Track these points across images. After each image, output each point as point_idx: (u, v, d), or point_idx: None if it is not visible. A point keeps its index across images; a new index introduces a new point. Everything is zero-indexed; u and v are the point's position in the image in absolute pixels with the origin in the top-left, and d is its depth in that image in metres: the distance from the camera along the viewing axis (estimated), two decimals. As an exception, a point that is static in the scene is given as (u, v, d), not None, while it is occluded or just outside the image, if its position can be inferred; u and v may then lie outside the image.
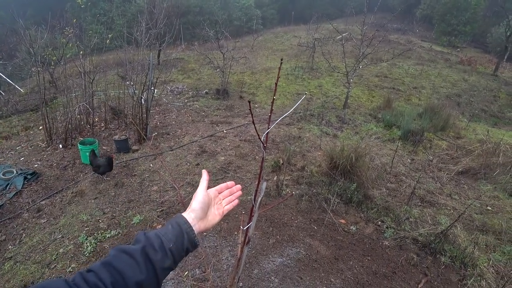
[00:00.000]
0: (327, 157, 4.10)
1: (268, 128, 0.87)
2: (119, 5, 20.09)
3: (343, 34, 10.25)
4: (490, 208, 3.65)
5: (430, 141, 5.63)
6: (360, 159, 3.68)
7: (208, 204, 0.76)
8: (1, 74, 9.72)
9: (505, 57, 13.56)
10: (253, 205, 1.03)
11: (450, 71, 11.81)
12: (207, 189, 0.79)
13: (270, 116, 0.89)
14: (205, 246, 2.77)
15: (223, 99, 7.96)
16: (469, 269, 2.61)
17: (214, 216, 0.77)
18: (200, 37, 14.54)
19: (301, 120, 6.54)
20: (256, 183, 1.00)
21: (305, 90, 8.88)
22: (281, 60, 0.87)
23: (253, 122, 0.88)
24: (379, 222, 3.21)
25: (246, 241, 1.10)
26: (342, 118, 6.68)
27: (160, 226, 3.16)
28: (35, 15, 19.63)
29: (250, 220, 1.06)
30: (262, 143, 0.91)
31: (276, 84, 0.87)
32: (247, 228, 1.06)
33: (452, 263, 2.69)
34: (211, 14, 19.42)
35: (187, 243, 0.67)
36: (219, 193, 0.83)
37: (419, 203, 3.62)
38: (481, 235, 3.03)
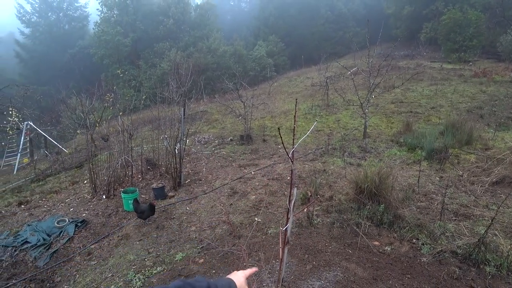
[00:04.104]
0: (353, 184, 4.24)
1: (294, 146, 1.20)
2: (146, 70, 22.82)
3: (352, 69, 10.84)
4: (530, 215, 3.53)
5: (457, 156, 5.59)
6: (384, 180, 3.80)
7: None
8: (50, 139, 11.30)
9: (521, 62, 13.44)
10: (288, 209, 1.31)
11: (466, 86, 11.78)
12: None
13: (293, 134, 1.22)
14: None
15: (247, 144, 8.46)
16: (516, 277, 2.54)
17: None
18: (220, 90, 15.83)
19: (324, 155, 6.75)
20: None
21: (324, 126, 9.23)
22: (296, 100, 1.24)
23: (281, 142, 1.21)
24: (414, 240, 3.22)
25: (286, 241, 1.36)
26: (364, 147, 6.82)
27: (202, 260, 3.38)
28: (76, 86, 22.65)
29: (287, 222, 1.33)
30: (290, 159, 1.23)
31: (295, 116, 1.21)
32: (285, 229, 1.33)
33: (499, 272, 2.62)
34: (227, 68, 21.34)
35: None
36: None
37: (454, 218, 3.59)
38: (524, 242, 2.95)
